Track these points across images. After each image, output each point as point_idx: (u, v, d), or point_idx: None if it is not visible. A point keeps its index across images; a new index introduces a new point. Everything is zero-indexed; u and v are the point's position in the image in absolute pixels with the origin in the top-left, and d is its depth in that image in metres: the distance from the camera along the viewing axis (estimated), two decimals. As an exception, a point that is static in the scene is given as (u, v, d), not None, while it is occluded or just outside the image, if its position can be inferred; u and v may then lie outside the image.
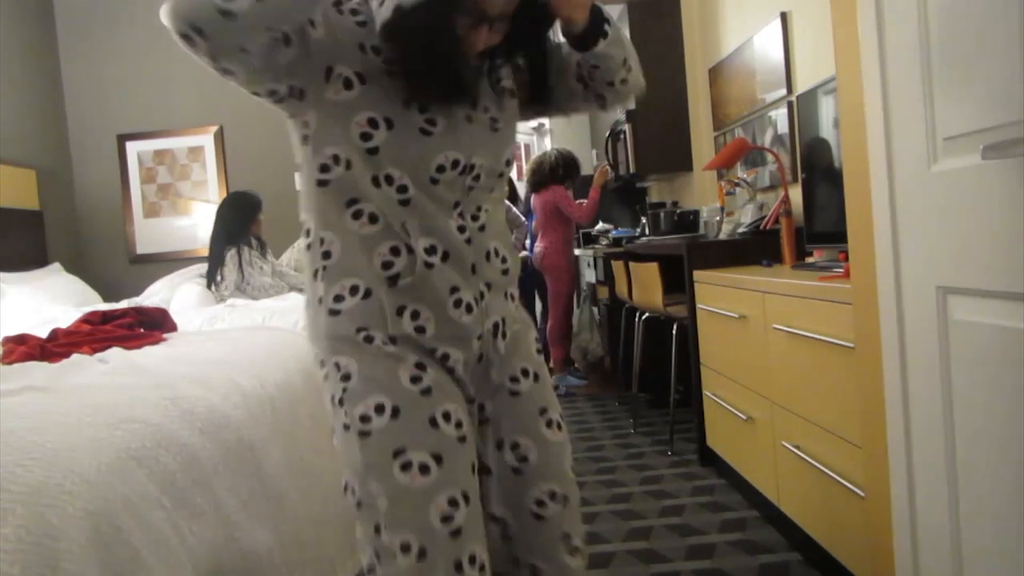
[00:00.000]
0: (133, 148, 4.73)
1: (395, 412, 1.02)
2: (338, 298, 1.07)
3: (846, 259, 1.96)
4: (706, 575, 2.09)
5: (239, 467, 1.30)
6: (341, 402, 1.06)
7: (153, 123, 4.72)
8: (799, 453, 2.03)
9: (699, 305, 2.89)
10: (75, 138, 4.72)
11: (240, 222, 3.54)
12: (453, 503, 1.00)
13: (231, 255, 3.50)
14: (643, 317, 3.65)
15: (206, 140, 4.72)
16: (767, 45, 3.30)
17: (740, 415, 2.49)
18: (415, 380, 1.04)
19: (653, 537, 2.37)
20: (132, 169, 4.74)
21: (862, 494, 1.67)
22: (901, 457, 1.39)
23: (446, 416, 1.04)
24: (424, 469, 1.00)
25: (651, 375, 4.08)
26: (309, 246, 1.12)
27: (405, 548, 0.98)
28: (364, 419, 1.02)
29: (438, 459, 1.01)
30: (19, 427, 0.99)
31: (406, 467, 1.00)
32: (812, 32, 2.94)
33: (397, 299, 1.07)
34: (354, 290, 1.07)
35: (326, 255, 1.10)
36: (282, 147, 4.68)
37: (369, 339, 1.06)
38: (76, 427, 1.03)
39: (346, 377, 1.05)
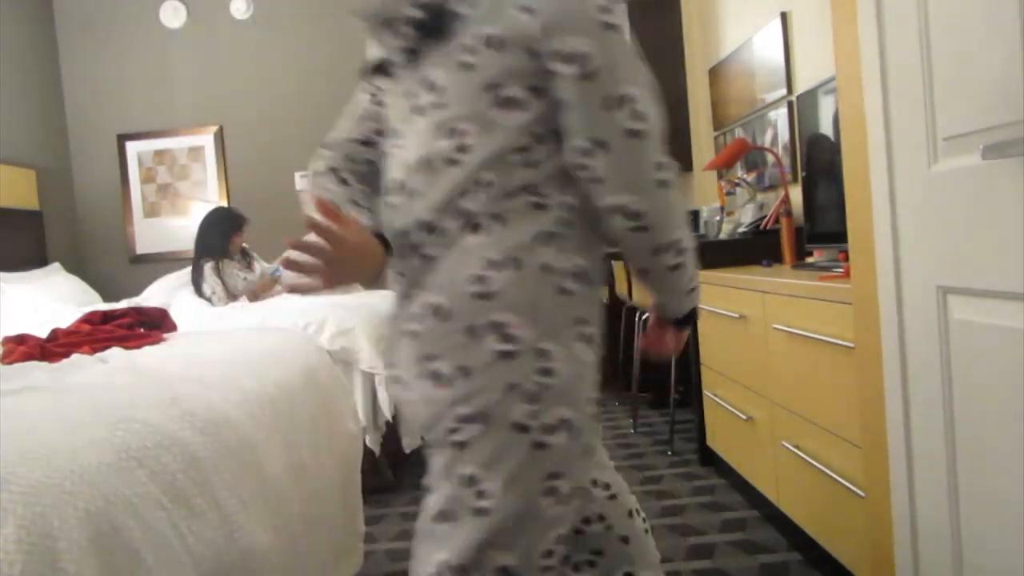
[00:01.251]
0: (133, 148, 4.73)
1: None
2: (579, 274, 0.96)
3: (846, 259, 1.96)
4: (706, 575, 2.09)
5: (239, 467, 1.29)
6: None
7: (153, 123, 4.72)
8: (799, 453, 2.03)
9: (699, 305, 2.89)
10: (75, 138, 4.72)
11: (217, 237, 3.60)
12: None
13: (209, 268, 3.55)
14: (643, 317, 3.65)
15: (206, 140, 4.72)
16: (767, 45, 3.30)
17: (740, 415, 2.49)
18: None
19: (653, 537, 2.36)
20: (132, 169, 4.74)
21: (862, 494, 1.67)
22: (901, 457, 1.39)
23: None
24: None
25: (651, 375, 4.08)
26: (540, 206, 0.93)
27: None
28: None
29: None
30: (19, 427, 0.99)
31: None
32: (812, 32, 2.93)
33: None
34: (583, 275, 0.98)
35: (568, 223, 0.95)
36: (282, 147, 4.70)
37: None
38: (76, 427, 1.02)
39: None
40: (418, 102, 0.95)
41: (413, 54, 0.94)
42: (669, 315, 1.13)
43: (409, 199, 0.96)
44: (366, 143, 1.11)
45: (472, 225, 0.91)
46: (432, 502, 0.97)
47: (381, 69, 1.00)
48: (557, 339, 0.91)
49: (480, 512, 0.92)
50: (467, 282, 0.90)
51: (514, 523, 0.91)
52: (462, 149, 0.91)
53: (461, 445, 0.92)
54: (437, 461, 0.97)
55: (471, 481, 0.92)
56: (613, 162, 0.90)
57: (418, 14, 0.90)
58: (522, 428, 0.89)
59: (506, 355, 0.89)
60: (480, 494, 0.91)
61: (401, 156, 0.98)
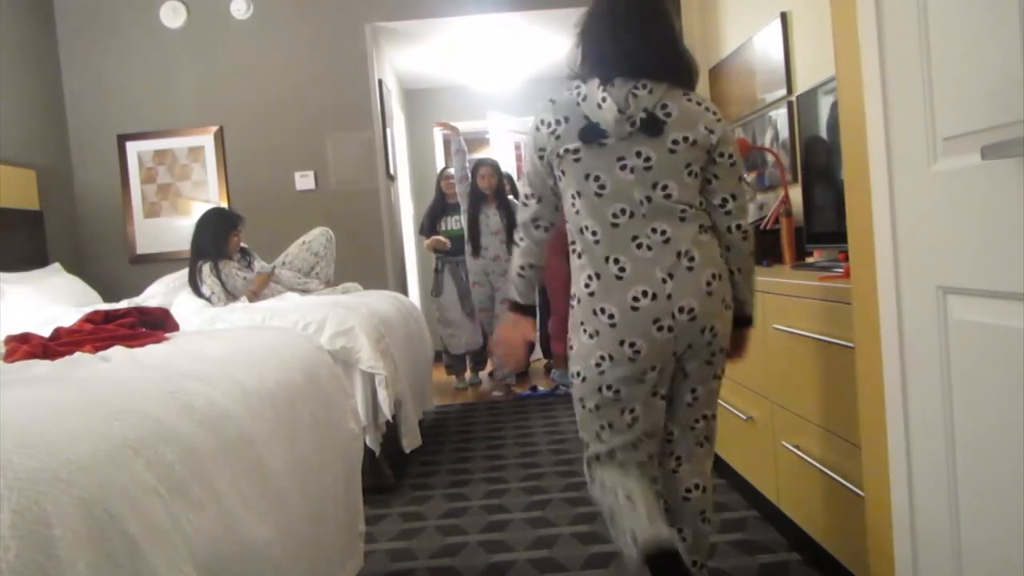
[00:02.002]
0: (133, 148, 4.73)
1: None
2: None
3: (846, 259, 1.96)
4: (706, 575, 2.09)
5: (239, 462, 1.30)
6: None
7: (153, 123, 4.72)
8: (799, 453, 2.04)
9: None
10: (75, 138, 4.72)
11: (213, 238, 3.60)
12: None
13: (207, 268, 3.55)
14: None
15: (206, 140, 4.73)
16: (767, 45, 3.31)
17: (740, 415, 2.49)
18: None
19: (653, 537, 2.37)
20: (132, 169, 4.74)
21: (862, 494, 1.67)
22: (901, 457, 1.39)
23: None
24: None
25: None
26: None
27: None
28: None
29: None
30: (17, 416, 0.99)
31: None
32: (812, 32, 2.94)
33: None
34: None
35: None
36: (282, 147, 4.70)
37: None
38: (74, 417, 1.02)
39: None
40: (627, 163, 1.65)
41: (630, 135, 1.64)
42: (748, 313, 1.80)
43: (631, 219, 1.66)
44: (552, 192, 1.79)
45: (707, 232, 1.69)
46: (705, 384, 1.76)
47: (591, 136, 1.66)
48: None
49: (722, 375, 1.78)
50: (721, 260, 1.70)
51: None
52: (668, 195, 1.65)
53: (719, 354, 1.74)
54: (694, 365, 1.72)
55: (722, 354, 1.74)
56: (737, 205, 1.72)
57: (643, 116, 1.64)
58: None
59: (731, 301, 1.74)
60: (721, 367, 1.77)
61: (618, 192, 1.66)
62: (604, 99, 1.64)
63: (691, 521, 1.79)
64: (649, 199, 1.66)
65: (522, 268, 1.80)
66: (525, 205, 1.79)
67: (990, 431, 1.16)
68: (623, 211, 1.66)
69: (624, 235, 1.66)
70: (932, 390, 1.29)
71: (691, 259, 1.65)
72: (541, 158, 1.73)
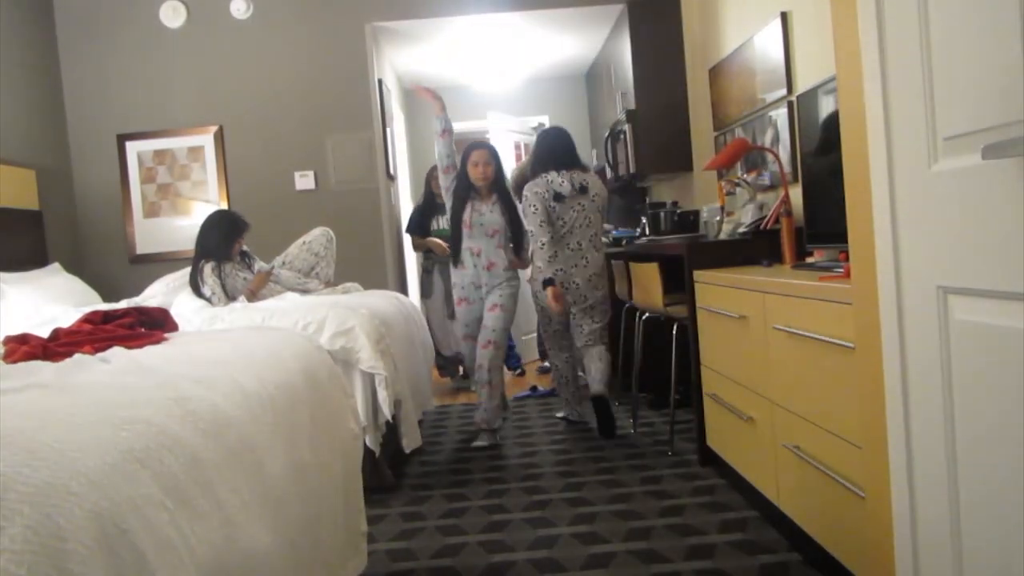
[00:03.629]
0: (133, 148, 4.73)
1: None
2: None
3: (846, 259, 1.96)
4: (706, 575, 2.09)
5: (240, 468, 1.29)
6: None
7: (153, 123, 4.72)
8: (799, 453, 2.04)
9: (699, 305, 2.89)
10: (75, 138, 4.72)
11: (219, 240, 3.60)
12: None
13: (209, 268, 3.55)
14: (643, 317, 3.65)
15: (206, 140, 4.73)
16: (767, 45, 3.31)
17: (740, 415, 2.49)
18: None
19: (653, 537, 2.37)
20: (132, 169, 4.74)
21: (862, 494, 1.67)
22: (901, 457, 1.39)
23: None
24: None
25: (651, 375, 4.08)
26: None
27: None
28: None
29: None
30: (25, 426, 0.98)
31: None
32: (812, 32, 2.94)
33: None
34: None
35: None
36: (282, 147, 4.70)
37: None
38: (81, 427, 1.02)
39: None
40: (575, 209, 3.70)
41: (575, 194, 3.69)
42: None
43: (570, 234, 3.69)
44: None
45: (598, 250, 3.74)
46: (588, 328, 3.76)
47: (559, 199, 3.67)
48: (608, 284, 3.88)
49: (606, 313, 3.81)
50: (603, 266, 3.76)
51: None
52: (590, 224, 3.72)
53: (597, 307, 3.80)
54: (585, 318, 3.76)
55: (603, 314, 3.81)
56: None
57: (579, 186, 3.70)
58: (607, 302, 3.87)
59: (604, 285, 3.80)
60: (605, 313, 3.80)
61: (568, 224, 3.69)
62: (562, 183, 3.66)
63: (594, 361, 3.72)
64: (581, 225, 3.66)
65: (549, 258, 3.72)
66: (541, 226, 3.65)
67: (990, 431, 1.16)
68: (567, 231, 3.65)
69: (563, 241, 3.66)
70: (932, 390, 1.29)
71: (586, 263, 3.66)
72: (535, 206, 3.66)
